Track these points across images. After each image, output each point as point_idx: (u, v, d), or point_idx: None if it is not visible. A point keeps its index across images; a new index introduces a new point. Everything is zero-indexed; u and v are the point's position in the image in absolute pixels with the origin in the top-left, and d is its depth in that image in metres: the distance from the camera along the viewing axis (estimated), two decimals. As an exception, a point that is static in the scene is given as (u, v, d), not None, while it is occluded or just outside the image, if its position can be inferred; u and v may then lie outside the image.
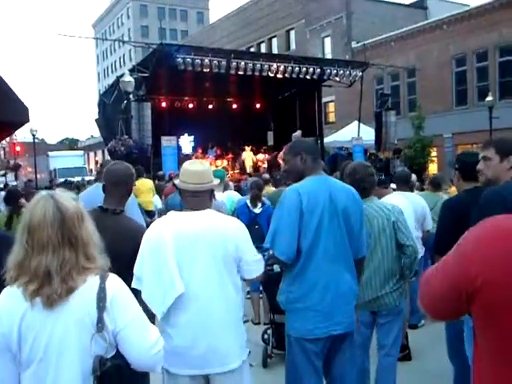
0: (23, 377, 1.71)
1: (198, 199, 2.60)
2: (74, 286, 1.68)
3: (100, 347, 1.69)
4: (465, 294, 1.34)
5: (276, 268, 4.82)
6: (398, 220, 3.53)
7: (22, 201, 8.21)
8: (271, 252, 2.89)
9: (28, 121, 4.61)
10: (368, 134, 19.17)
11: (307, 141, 3.27)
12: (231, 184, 8.30)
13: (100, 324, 1.68)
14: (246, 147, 18.73)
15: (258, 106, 20.57)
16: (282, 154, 8.81)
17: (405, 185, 5.51)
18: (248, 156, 18.67)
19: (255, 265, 2.67)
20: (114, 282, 1.77)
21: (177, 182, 2.67)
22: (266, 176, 8.76)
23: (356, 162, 4.38)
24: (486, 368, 1.37)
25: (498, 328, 1.31)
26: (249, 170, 18.17)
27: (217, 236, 2.52)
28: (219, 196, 5.68)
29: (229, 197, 6.41)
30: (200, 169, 2.64)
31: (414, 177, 6.80)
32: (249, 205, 5.86)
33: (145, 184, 8.77)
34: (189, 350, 2.47)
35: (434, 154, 24.21)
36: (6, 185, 16.58)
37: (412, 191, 5.81)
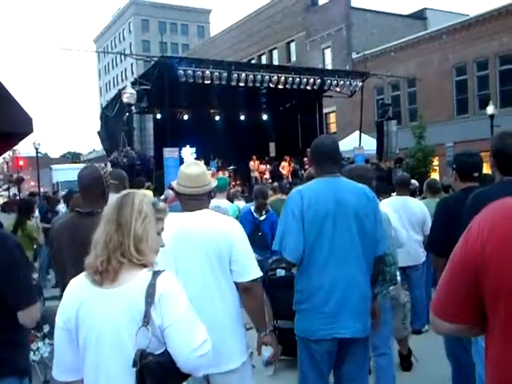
0: (84, 359, 1.79)
1: (195, 202, 2.62)
2: (117, 269, 1.76)
3: (144, 341, 1.70)
4: (473, 270, 1.29)
5: (279, 273, 4.84)
6: None
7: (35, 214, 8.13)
8: (282, 255, 2.87)
9: (32, 131, 4.55)
10: (369, 144, 19.22)
11: (317, 141, 3.08)
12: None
13: (146, 318, 1.70)
14: (254, 157, 18.82)
15: (259, 117, 20.66)
16: None
17: (404, 189, 5.43)
18: (255, 166, 18.75)
19: (248, 267, 2.55)
20: (166, 279, 1.79)
21: (175, 185, 2.69)
22: (275, 184, 8.78)
23: (360, 164, 4.35)
24: (496, 348, 1.29)
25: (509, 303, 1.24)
26: (254, 180, 18.23)
27: (210, 234, 2.53)
28: (223, 203, 5.71)
29: (231, 205, 6.44)
30: (196, 172, 2.64)
31: (415, 182, 6.77)
32: (253, 212, 5.90)
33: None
34: None
35: (435, 163, 24.21)
36: (14, 194, 16.56)
37: (414, 196, 5.75)
